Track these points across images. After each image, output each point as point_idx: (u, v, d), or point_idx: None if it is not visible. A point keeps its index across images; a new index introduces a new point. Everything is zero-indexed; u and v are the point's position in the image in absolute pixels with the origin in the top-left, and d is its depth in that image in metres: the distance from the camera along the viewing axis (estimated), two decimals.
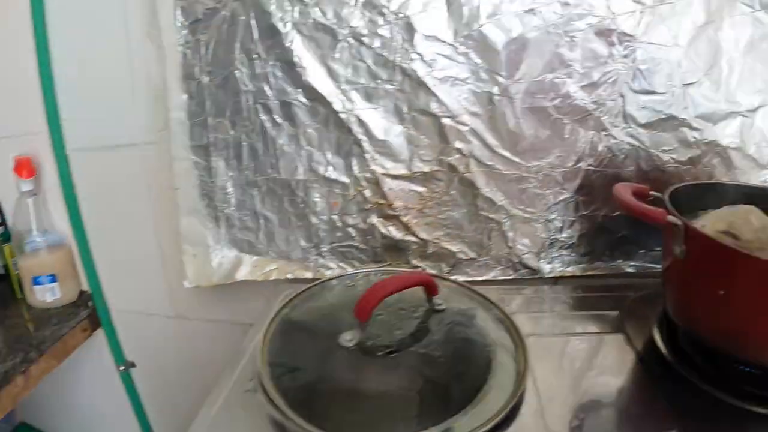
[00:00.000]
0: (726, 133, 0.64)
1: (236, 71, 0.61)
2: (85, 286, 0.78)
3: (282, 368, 0.45)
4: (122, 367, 0.80)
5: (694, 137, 0.63)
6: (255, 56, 0.60)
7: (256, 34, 0.60)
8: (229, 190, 0.64)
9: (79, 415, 0.88)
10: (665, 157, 0.62)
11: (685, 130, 0.62)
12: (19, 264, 0.74)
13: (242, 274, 0.65)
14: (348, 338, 0.46)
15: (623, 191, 0.52)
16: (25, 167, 0.70)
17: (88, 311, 0.78)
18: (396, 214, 0.61)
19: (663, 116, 0.61)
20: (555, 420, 0.41)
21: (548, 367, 0.48)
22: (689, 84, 0.61)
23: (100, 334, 0.79)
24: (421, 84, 0.58)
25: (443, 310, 0.51)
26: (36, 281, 0.73)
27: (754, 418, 0.42)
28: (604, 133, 0.60)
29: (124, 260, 0.74)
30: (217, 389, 0.46)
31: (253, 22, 0.60)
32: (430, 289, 0.49)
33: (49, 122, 0.69)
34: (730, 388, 0.45)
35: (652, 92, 0.61)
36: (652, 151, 0.62)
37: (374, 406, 0.42)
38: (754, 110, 0.64)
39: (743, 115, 0.64)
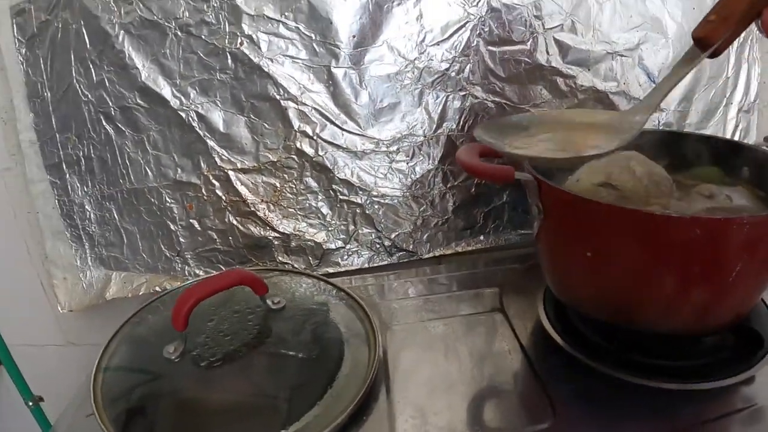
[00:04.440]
0: (605, 77, 0.61)
1: (75, 82, 0.62)
2: None
3: (116, 387, 0.45)
4: (31, 403, 0.81)
5: (569, 85, 0.61)
6: (90, 64, 0.61)
7: (87, 41, 0.61)
8: (87, 207, 0.65)
9: None
10: (538, 112, 0.60)
11: (557, 79, 0.60)
12: None
13: (112, 292, 0.66)
14: (171, 350, 0.45)
15: (467, 153, 0.49)
16: None
17: None
18: (252, 210, 0.61)
19: (527, 67, 0.59)
20: (409, 412, 0.40)
21: (412, 361, 0.47)
22: (552, 28, 0.59)
23: (3, 372, 0.80)
24: (254, 68, 0.58)
25: (283, 309, 0.50)
26: None
27: (649, 392, 0.40)
28: (462, 93, 0.59)
29: (8, 293, 0.75)
30: (63, 415, 0.47)
31: (83, 29, 0.60)
32: (257, 287, 0.49)
33: None
34: (622, 362, 0.43)
35: (510, 42, 0.59)
36: (522, 106, 0.60)
37: (201, 423, 0.41)
38: (634, 48, 0.62)
39: (622, 55, 0.62)
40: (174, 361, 0.44)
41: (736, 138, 0.66)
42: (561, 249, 0.47)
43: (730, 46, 0.68)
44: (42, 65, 0.63)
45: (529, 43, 0.59)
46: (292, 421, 0.38)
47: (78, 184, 0.65)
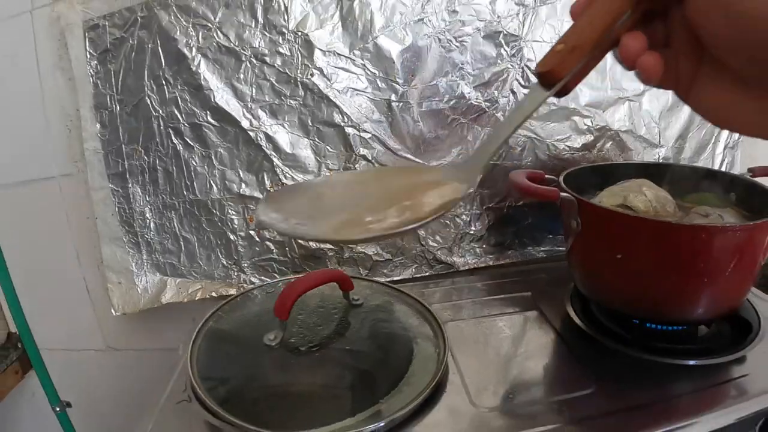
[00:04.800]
0: (616, 118, 0.73)
1: (146, 98, 0.68)
2: (14, 328, 0.81)
3: (213, 374, 0.50)
4: (57, 408, 0.83)
5: (586, 124, 0.72)
6: (163, 82, 0.67)
7: (163, 61, 0.67)
8: (148, 215, 0.70)
9: None
10: (561, 145, 0.71)
11: (577, 118, 0.71)
12: None
13: (167, 297, 0.70)
14: (271, 338, 0.52)
15: (518, 176, 0.59)
16: None
17: (18, 353, 0.81)
18: None
19: (554, 108, 0.70)
20: (478, 393, 0.48)
21: (469, 348, 0.55)
22: None
23: (33, 376, 0.82)
24: (322, 97, 0.66)
25: (361, 305, 0.58)
26: None
27: (665, 367, 0.51)
28: None
29: (50, 296, 0.78)
30: (149, 407, 0.50)
31: (159, 49, 0.67)
32: (345, 284, 0.56)
33: None
34: (641, 346, 0.53)
35: None
36: (548, 141, 0.70)
37: (303, 400, 0.48)
38: (640, 94, 0.74)
39: (630, 100, 0.73)
40: (274, 348, 0.51)
41: (724, 169, 0.79)
42: (595, 253, 0.57)
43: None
44: (113, 79, 0.68)
45: None
46: (389, 391, 0.46)
47: (140, 193, 0.70)
